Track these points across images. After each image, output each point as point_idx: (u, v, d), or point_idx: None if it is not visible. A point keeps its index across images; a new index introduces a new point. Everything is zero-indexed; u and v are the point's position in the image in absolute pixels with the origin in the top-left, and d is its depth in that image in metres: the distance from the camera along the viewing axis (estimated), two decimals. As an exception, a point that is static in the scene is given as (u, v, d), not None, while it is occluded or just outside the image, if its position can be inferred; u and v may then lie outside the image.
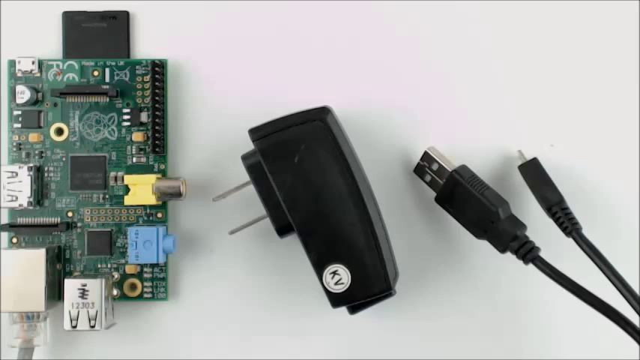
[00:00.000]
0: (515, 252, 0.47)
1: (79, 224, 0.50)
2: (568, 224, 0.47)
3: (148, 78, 0.50)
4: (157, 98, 0.50)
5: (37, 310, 0.48)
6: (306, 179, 0.46)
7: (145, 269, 0.50)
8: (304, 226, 0.46)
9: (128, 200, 0.49)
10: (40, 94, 0.50)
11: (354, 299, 0.46)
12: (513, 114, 0.50)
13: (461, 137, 0.50)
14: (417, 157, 0.50)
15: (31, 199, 0.49)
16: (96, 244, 0.50)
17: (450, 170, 0.48)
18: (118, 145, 0.50)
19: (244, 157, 0.47)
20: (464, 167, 0.48)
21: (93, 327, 0.47)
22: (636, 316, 0.46)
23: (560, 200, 0.48)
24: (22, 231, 0.50)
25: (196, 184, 0.50)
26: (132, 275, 0.50)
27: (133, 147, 0.50)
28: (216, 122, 0.51)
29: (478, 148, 0.50)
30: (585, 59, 0.51)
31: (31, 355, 0.49)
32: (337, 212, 0.46)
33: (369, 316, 0.49)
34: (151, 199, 0.49)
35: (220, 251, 0.51)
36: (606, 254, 0.50)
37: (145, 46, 0.51)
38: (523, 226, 0.47)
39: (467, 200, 0.47)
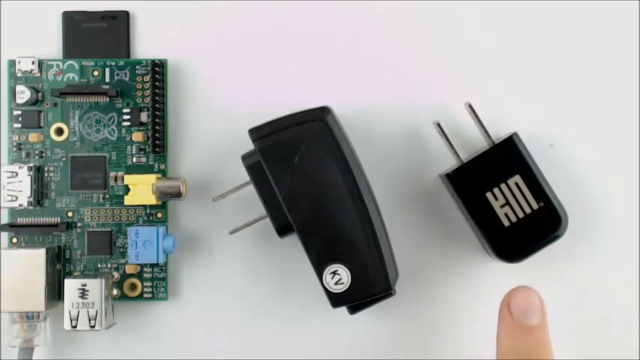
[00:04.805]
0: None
1: (79, 224, 0.50)
2: None
3: (148, 78, 0.50)
4: (157, 98, 0.50)
5: (37, 310, 0.48)
6: (306, 179, 0.46)
7: (145, 269, 0.50)
8: (304, 226, 0.46)
9: (128, 200, 0.49)
10: (40, 94, 0.50)
11: (354, 299, 0.46)
12: (513, 114, 0.50)
13: (461, 137, 0.50)
14: (416, 157, 0.50)
15: (31, 199, 0.49)
16: (96, 244, 0.50)
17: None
18: (118, 145, 0.50)
19: (244, 157, 0.47)
20: None
21: (93, 327, 0.47)
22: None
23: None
24: (22, 231, 0.50)
25: (196, 184, 0.50)
26: (132, 275, 0.50)
27: (133, 147, 0.50)
28: (216, 122, 0.51)
29: (478, 147, 0.50)
30: (585, 59, 0.51)
31: (31, 355, 0.49)
32: (337, 212, 0.46)
33: (369, 316, 0.49)
34: (151, 199, 0.49)
35: (220, 251, 0.51)
36: (606, 254, 0.50)
37: (145, 46, 0.51)
38: None
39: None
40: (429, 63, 0.51)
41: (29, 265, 0.48)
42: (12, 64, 0.50)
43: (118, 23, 0.51)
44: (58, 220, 0.50)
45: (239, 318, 0.51)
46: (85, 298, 0.47)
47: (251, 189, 0.47)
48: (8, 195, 0.49)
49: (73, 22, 0.50)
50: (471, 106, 0.48)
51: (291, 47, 0.51)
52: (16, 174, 0.49)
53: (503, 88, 0.51)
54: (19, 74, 0.50)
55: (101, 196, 0.50)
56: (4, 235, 0.50)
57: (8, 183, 0.49)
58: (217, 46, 0.51)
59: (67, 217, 0.50)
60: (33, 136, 0.50)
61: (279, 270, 0.50)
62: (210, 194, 0.50)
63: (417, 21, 0.51)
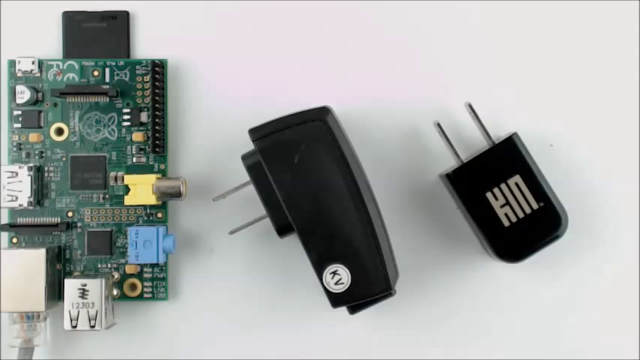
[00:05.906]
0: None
1: (79, 224, 0.50)
2: None
3: (148, 78, 0.50)
4: (157, 98, 0.50)
5: (37, 310, 0.48)
6: (306, 179, 0.46)
7: (145, 269, 0.50)
8: (304, 226, 0.46)
9: (128, 200, 0.49)
10: (40, 94, 0.50)
11: (354, 299, 0.46)
12: (513, 114, 0.50)
13: (461, 137, 0.50)
14: (416, 157, 0.50)
15: (31, 199, 0.49)
16: (96, 244, 0.50)
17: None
18: (118, 145, 0.50)
19: (244, 157, 0.47)
20: None
21: (93, 327, 0.47)
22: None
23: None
24: (22, 231, 0.50)
25: (196, 184, 0.50)
26: (132, 275, 0.50)
27: (133, 147, 0.50)
28: (216, 122, 0.51)
29: (478, 147, 0.50)
30: (585, 59, 0.51)
31: (31, 355, 0.49)
32: (337, 212, 0.46)
33: (369, 316, 0.49)
34: (151, 199, 0.49)
35: (220, 251, 0.51)
36: (606, 254, 0.50)
37: (145, 46, 0.51)
38: None
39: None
40: (429, 63, 0.51)
41: (29, 265, 0.48)
42: (12, 64, 0.50)
43: (118, 23, 0.51)
44: (58, 220, 0.50)
45: (239, 318, 0.50)
46: (85, 298, 0.47)
47: (251, 189, 0.47)
48: (8, 195, 0.49)
49: (73, 22, 0.50)
50: (471, 106, 0.48)
51: (291, 47, 0.51)
52: (16, 174, 0.49)
53: (503, 88, 0.51)
54: (19, 74, 0.50)
55: (101, 196, 0.50)
56: (4, 235, 0.50)
57: (8, 183, 0.49)
58: (217, 46, 0.51)
59: (67, 217, 0.50)
60: (33, 136, 0.50)
61: (280, 270, 0.50)
62: (210, 194, 0.50)
63: (417, 21, 0.51)
